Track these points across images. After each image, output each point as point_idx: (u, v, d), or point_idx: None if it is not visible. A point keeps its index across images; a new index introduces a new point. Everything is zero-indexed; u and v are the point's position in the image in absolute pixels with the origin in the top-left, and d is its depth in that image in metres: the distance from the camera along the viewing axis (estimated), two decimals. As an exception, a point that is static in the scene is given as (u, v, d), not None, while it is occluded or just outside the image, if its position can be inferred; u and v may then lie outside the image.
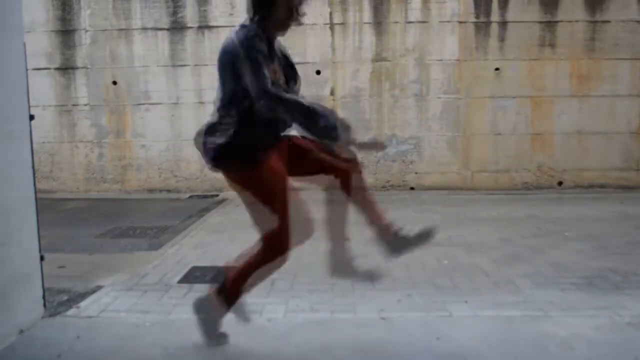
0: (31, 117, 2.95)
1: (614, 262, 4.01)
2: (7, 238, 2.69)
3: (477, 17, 7.50)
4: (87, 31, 7.71)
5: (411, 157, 7.65)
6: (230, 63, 2.34)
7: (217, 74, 2.43)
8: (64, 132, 7.83)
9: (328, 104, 7.58)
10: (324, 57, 7.56)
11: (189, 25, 7.63)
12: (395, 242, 2.73)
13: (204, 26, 7.60)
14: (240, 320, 2.64)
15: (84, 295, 3.36)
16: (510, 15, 7.48)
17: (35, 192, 2.98)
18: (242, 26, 2.39)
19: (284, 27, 2.45)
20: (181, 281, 3.70)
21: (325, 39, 7.55)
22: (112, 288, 3.54)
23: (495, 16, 7.49)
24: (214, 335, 2.61)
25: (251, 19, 2.40)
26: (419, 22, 7.50)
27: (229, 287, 2.54)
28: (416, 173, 7.66)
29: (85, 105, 7.79)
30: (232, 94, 2.37)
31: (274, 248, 2.45)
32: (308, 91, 7.80)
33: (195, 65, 7.63)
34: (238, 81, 2.33)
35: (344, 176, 2.58)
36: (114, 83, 7.72)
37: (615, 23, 7.43)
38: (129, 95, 7.74)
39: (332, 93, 7.59)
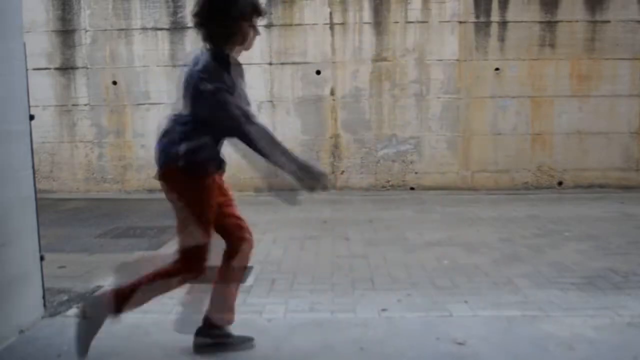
0: (31, 117, 2.95)
1: (614, 262, 4.01)
2: (7, 238, 2.69)
3: (477, 17, 7.50)
4: (87, 31, 7.71)
5: (411, 157, 7.65)
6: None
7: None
8: (64, 132, 7.83)
9: (328, 104, 7.60)
10: (324, 57, 7.56)
11: (189, 25, 7.62)
12: (205, 333, 2.57)
13: (204, 26, 7.59)
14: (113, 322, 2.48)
15: (84, 295, 3.36)
16: (510, 15, 7.48)
17: (35, 192, 2.98)
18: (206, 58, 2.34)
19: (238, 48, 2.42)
20: (181, 281, 3.69)
21: (325, 39, 7.55)
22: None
23: (495, 16, 7.49)
24: (86, 344, 2.39)
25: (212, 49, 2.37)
26: (419, 22, 7.51)
27: (127, 290, 2.43)
28: (416, 173, 7.66)
29: (85, 105, 7.79)
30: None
31: (189, 265, 2.43)
32: (308, 91, 7.91)
33: (195, 65, 7.62)
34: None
35: (237, 247, 2.54)
36: (114, 83, 7.72)
37: (615, 23, 7.44)
38: (129, 95, 7.74)
39: (332, 93, 7.59)
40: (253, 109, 2.47)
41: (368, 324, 2.90)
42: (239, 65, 2.43)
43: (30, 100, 2.98)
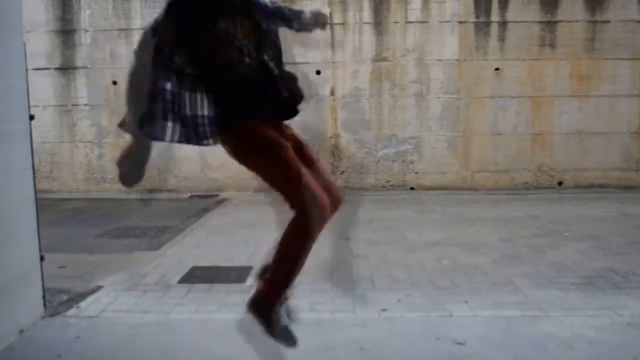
0: (31, 117, 2.95)
1: (614, 262, 4.01)
2: (7, 238, 2.69)
3: (477, 17, 7.50)
4: (87, 31, 7.71)
5: (411, 157, 7.65)
6: None
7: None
8: (64, 132, 7.83)
9: (328, 104, 7.60)
10: (324, 57, 7.56)
11: (189, 25, 7.62)
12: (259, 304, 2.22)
13: (204, 26, 7.59)
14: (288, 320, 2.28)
15: (84, 295, 3.36)
16: (510, 15, 7.48)
17: (35, 192, 2.98)
18: None
19: None
20: (181, 281, 3.70)
21: (325, 39, 7.55)
22: (112, 288, 3.54)
23: (495, 16, 7.49)
24: (284, 335, 2.25)
25: None
26: (419, 22, 7.51)
27: (275, 276, 2.18)
28: (416, 173, 7.66)
29: (85, 105, 7.79)
30: None
31: (307, 209, 2.05)
32: (308, 91, 7.84)
33: (195, 65, 7.62)
34: None
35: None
36: (114, 83, 7.72)
37: (615, 23, 7.44)
38: (129, 95, 7.73)
39: (332, 93, 7.59)
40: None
41: (368, 324, 2.90)
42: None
43: (30, 100, 2.98)
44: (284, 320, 2.24)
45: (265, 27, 2.21)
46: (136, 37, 7.64)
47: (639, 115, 7.59)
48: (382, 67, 7.57)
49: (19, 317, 2.77)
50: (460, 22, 7.50)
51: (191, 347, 2.60)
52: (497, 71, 7.53)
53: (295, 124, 2.48)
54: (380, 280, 3.69)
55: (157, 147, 2.29)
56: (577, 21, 7.46)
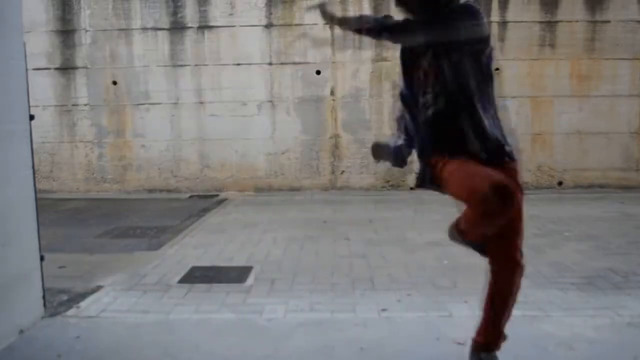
0: (31, 117, 2.96)
1: (614, 262, 4.01)
2: (7, 238, 2.69)
3: (477, 17, 7.50)
4: (87, 31, 7.71)
5: (411, 157, 7.64)
6: None
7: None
8: (64, 132, 7.83)
9: (328, 104, 7.60)
10: (324, 57, 7.56)
11: (189, 25, 7.63)
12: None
13: (204, 26, 7.60)
14: None
15: (84, 295, 3.36)
16: (510, 15, 7.48)
17: (35, 192, 2.98)
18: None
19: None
20: (181, 281, 3.70)
21: (325, 38, 7.54)
22: (112, 288, 3.54)
23: (495, 16, 7.48)
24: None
25: None
26: (419, 22, 7.50)
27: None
28: (416, 173, 7.64)
29: (85, 105, 7.79)
30: None
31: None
32: (308, 91, 7.88)
33: (195, 65, 7.63)
34: None
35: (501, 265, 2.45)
36: (114, 83, 7.72)
37: (615, 23, 7.43)
38: (129, 95, 7.74)
39: (332, 93, 7.59)
40: None
41: (368, 324, 2.90)
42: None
43: (30, 100, 2.98)
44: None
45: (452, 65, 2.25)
46: (136, 37, 7.67)
47: (639, 115, 7.58)
48: (382, 67, 7.56)
49: (19, 317, 2.77)
50: (460, 22, 7.49)
51: (191, 347, 2.60)
52: (497, 71, 7.50)
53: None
54: (380, 280, 3.69)
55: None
56: (577, 21, 7.46)
